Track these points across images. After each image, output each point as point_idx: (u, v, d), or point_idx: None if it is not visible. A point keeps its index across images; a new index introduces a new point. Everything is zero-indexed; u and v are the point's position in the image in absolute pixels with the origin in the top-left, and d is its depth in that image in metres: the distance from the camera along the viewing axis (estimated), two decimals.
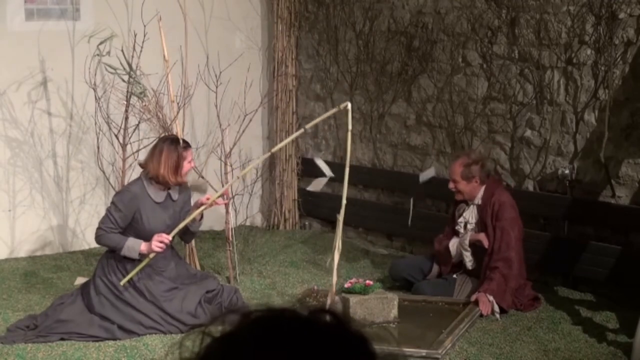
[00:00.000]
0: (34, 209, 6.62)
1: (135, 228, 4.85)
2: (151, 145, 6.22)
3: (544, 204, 5.85)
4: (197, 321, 4.82)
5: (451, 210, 5.68)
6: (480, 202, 5.37)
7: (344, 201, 4.80)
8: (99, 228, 4.88)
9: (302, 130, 5.21)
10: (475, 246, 5.36)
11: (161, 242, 4.77)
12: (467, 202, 5.45)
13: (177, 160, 4.85)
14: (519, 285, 5.27)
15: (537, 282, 5.61)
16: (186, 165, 4.92)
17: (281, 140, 7.48)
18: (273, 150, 5.29)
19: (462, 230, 5.45)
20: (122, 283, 4.86)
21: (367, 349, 0.96)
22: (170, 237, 4.82)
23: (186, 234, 5.18)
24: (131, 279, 4.86)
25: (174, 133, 5.80)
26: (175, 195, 5.01)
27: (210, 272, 5.88)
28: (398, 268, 5.72)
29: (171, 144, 4.91)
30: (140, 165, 5.05)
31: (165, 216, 4.92)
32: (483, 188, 5.37)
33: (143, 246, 4.79)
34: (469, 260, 5.36)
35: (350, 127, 4.77)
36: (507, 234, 5.20)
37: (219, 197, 5.05)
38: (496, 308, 5.06)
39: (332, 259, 4.75)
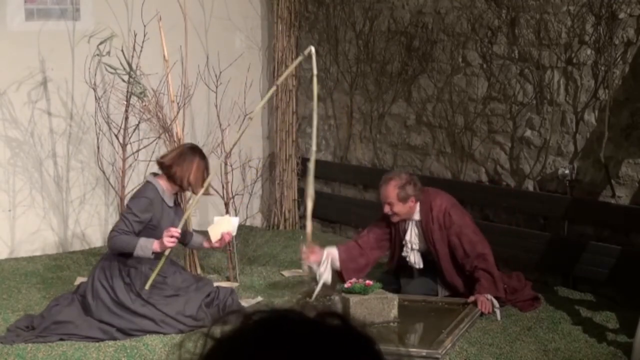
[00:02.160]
0: (34, 209, 6.62)
1: (150, 233, 4.86)
2: (150, 144, 6.27)
3: (544, 204, 5.85)
4: (198, 324, 4.83)
5: (391, 225, 5.44)
6: (419, 218, 5.28)
7: (314, 148, 5.11)
8: (112, 231, 4.89)
9: (274, 87, 5.40)
10: (427, 252, 5.33)
11: (171, 236, 4.80)
12: (404, 221, 5.35)
13: (203, 173, 5.02)
14: (509, 277, 5.29)
15: (537, 282, 5.61)
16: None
17: (281, 141, 7.49)
18: (253, 113, 5.43)
19: (411, 253, 5.35)
20: (146, 287, 4.88)
21: (373, 350, 0.96)
22: (178, 230, 4.84)
23: (186, 244, 5.36)
24: (132, 284, 4.88)
25: (174, 133, 5.80)
26: (178, 199, 5.19)
27: (206, 275, 5.90)
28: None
29: (201, 158, 5.04)
30: (163, 164, 4.98)
31: (176, 220, 4.99)
32: (418, 204, 5.28)
33: (156, 244, 4.81)
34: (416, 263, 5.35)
35: (315, 71, 4.97)
36: (465, 235, 5.16)
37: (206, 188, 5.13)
38: (496, 303, 5.06)
39: (306, 207, 5.03)
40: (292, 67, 5.43)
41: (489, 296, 5.06)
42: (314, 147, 5.16)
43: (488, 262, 5.13)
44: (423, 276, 5.38)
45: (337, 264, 5.28)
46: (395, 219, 5.30)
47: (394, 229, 5.42)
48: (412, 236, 5.33)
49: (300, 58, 5.19)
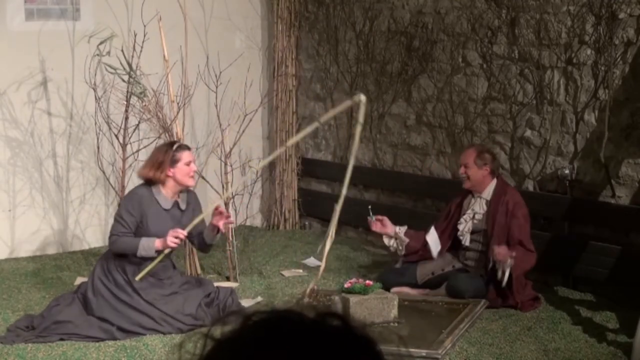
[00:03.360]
0: (34, 209, 6.62)
1: (139, 233, 4.85)
2: (150, 144, 6.28)
3: (544, 204, 5.85)
4: (197, 323, 4.83)
5: (453, 202, 5.60)
6: (490, 198, 5.36)
7: (344, 191, 4.86)
8: (111, 235, 4.88)
9: (316, 124, 5.26)
10: (480, 234, 5.36)
11: (176, 237, 4.78)
12: (472, 195, 5.45)
13: (163, 158, 4.86)
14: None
15: (537, 282, 5.60)
16: (184, 168, 4.89)
17: (281, 141, 7.49)
18: (288, 144, 5.33)
19: (467, 222, 5.42)
20: (137, 279, 4.86)
21: (374, 351, 0.96)
22: (185, 233, 4.83)
23: (202, 245, 5.15)
24: (129, 281, 4.87)
25: (174, 133, 5.81)
26: (183, 205, 5.01)
27: (206, 275, 5.91)
28: (389, 278, 5.48)
29: (163, 146, 5.00)
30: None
31: (171, 224, 4.90)
32: (494, 183, 5.37)
33: (158, 242, 4.80)
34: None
35: (361, 120, 4.79)
36: (525, 229, 5.24)
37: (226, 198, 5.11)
38: (508, 266, 5.02)
39: (324, 246, 4.88)
40: (338, 109, 5.26)
41: (510, 260, 5.02)
42: (344, 191, 4.87)
43: (527, 257, 5.14)
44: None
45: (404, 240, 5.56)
46: (467, 185, 5.42)
47: (454, 207, 5.52)
48: (479, 208, 5.40)
49: (348, 103, 5.01)
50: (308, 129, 5.28)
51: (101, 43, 5.81)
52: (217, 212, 4.97)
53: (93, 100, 6.26)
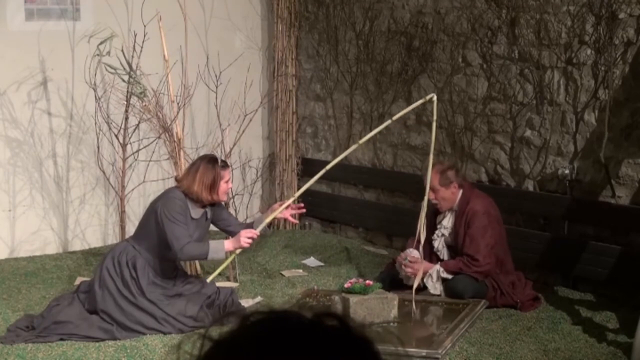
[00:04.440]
0: (34, 209, 6.62)
1: (163, 236, 4.82)
2: (150, 144, 6.29)
3: (544, 204, 5.85)
4: (198, 325, 4.82)
5: (432, 215, 5.50)
6: (457, 209, 5.32)
7: (427, 190, 4.99)
8: (178, 242, 4.75)
9: (389, 121, 5.33)
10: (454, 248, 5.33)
11: (250, 237, 4.79)
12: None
13: (213, 178, 4.86)
14: (513, 282, 5.27)
15: (537, 282, 5.61)
16: (223, 185, 4.92)
17: (281, 141, 7.49)
18: (361, 141, 5.41)
19: (439, 238, 5.39)
20: (208, 280, 4.90)
21: (372, 351, 0.96)
22: (257, 232, 4.87)
23: None
24: (137, 278, 4.87)
25: (174, 133, 5.81)
26: (210, 214, 5.04)
27: (206, 275, 5.90)
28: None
29: (208, 163, 4.93)
30: (176, 179, 5.08)
31: (196, 233, 4.91)
32: (460, 193, 5.32)
33: (228, 244, 4.82)
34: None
35: (435, 116, 4.92)
36: (476, 242, 5.16)
37: (291, 202, 5.27)
38: (430, 286, 5.08)
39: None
40: (411, 107, 5.41)
41: (437, 274, 5.09)
42: (427, 191, 5.05)
43: (469, 268, 5.12)
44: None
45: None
46: (442, 208, 5.34)
47: (432, 219, 5.43)
48: (447, 222, 5.36)
49: (420, 101, 5.21)
50: (383, 125, 5.40)
51: (101, 43, 5.81)
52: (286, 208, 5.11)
53: (93, 100, 6.26)
